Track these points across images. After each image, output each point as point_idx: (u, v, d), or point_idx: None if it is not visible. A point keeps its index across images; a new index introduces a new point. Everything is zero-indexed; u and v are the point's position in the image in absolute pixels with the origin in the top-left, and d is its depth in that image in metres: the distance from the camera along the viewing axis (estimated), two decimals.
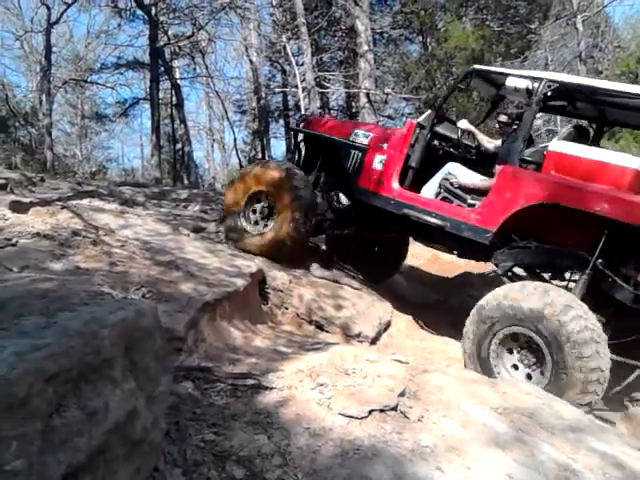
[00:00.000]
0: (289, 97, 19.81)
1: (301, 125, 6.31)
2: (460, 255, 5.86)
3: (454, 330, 5.49)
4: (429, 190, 5.19)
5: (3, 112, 24.93)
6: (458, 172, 5.17)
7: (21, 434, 1.59)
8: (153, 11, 15.89)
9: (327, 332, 4.99)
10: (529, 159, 4.63)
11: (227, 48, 24.05)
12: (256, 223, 5.66)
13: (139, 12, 16.68)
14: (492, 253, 4.67)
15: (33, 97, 23.52)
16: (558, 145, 4.53)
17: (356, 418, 2.58)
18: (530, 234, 4.49)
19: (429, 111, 5.42)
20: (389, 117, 20.77)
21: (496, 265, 4.71)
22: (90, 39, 24.64)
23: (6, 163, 15.21)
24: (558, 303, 3.77)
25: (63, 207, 5.17)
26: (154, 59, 16.19)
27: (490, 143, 5.44)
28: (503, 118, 5.39)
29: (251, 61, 19.68)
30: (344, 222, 5.99)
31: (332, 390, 2.81)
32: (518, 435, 2.63)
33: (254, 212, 5.68)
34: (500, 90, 5.31)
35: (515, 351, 4.02)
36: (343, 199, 6.02)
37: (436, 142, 5.47)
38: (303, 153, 6.19)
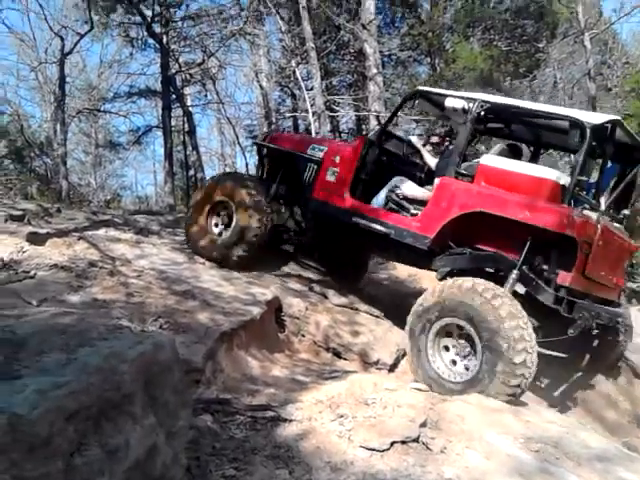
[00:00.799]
0: (299, 121, 19.92)
1: (265, 140, 6.59)
2: (404, 262, 6.24)
3: None
4: (377, 201, 5.44)
5: (19, 142, 25.29)
6: (403, 185, 5.45)
7: (43, 474, 1.58)
8: (164, 40, 16.12)
9: (345, 359, 4.95)
10: (464, 172, 4.89)
11: (237, 74, 24.23)
12: (218, 232, 5.90)
13: (150, 41, 16.91)
14: (431, 260, 4.94)
15: (48, 127, 23.86)
16: (488, 159, 4.87)
17: (378, 451, 2.54)
18: (465, 241, 4.78)
19: (378, 127, 5.72)
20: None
21: (435, 270, 4.98)
22: (103, 68, 25.02)
23: (22, 193, 15.39)
24: (488, 294, 4.03)
25: (80, 238, 5.21)
26: (166, 87, 16.37)
27: (432, 160, 5.62)
28: (434, 139, 5.77)
29: (261, 86, 19.86)
30: (304, 232, 6.32)
31: (352, 421, 2.77)
32: (543, 466, 2.57)
33: (216, 221, 5.95)
34: (443, 111, 5.54)
35: (450, 344, 4.27)
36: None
37: (385, 158, 5.74)
38: (266, 167, 6.47)
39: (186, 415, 2.32)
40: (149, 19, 15.34)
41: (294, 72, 16.18)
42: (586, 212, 4.48)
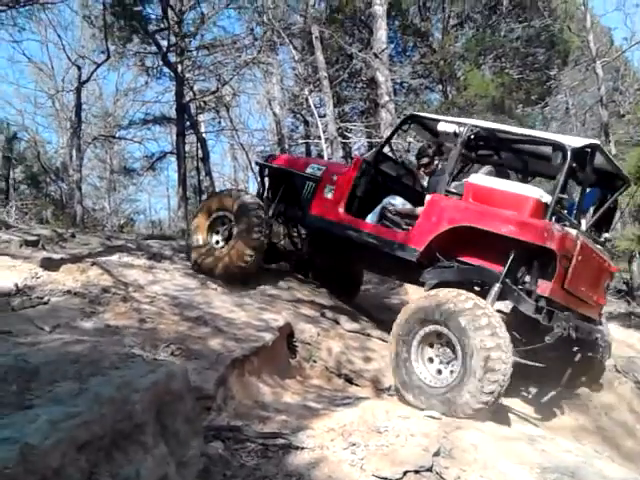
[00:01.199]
0: (312, 148, 20.05)
1: (267, 161, 6.93)
2: (394, 276, 6.69)
3: None
4: (372, 218, 5.72)
5: (35, 168, 25.66)
6: (396, 201, 5.78)
7: None
8: (179, 68, 16.37)
9: (357, 385, 4.91)
10: (454, 191, 5.14)
11: (251, 101, 24.53)
12: (217, 243, 6.18)
13: (166, 70, 17.17)
14: (420, 274, 5.10)
15: (64, 153, 24.19)
16: (476, 178, 5.14)
17: None
18: (452, 254, 5.00)
19: (374, 150, 6.07)
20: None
21: (423, 283, 5.13)
22: (119, 96, 25.41)
23: (37, 218, 15.54)
24: (469, 304, 4.26)
25: (93, 263, 5.25)
26: (180, 114, 16.58)
27: (423, 180, 6.07)
28: (424, 160, 6.00)
29: (274, 113, 20.05)
30: (300, 250, 6.68)
31: (364, 450, 2.74)
32: None
33: (217, 234, 6.22)
34: (436, 136, 5.91)
35: (434, 354, 4.45)
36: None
37: (379, 178, 6.03)
38: (267, 186, 6.77)
39: (197, 444, 2.31)
40: (164, 49, 15.60)
41: (307, 99, 16.36)
42: (567, 229, 4.70)
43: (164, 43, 15.89)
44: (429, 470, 2.63)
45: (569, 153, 4.64)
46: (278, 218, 6.56)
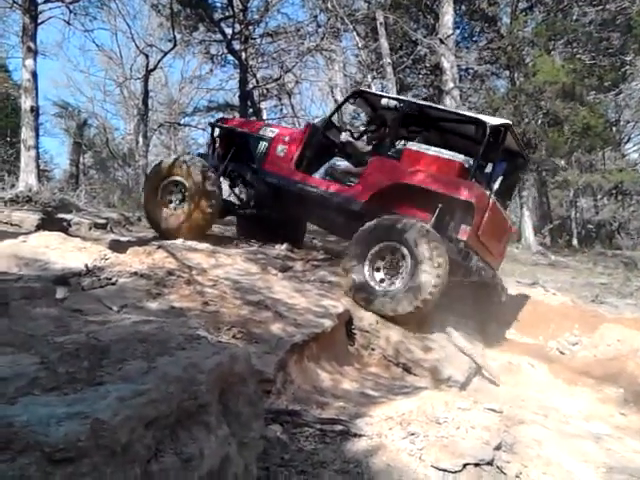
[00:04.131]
0: None
1: (220, 123, 7.63)
2: (335, 229, 7.59)
3: (550, 375, 5.23)
4: (318, 175, 6.50)
5: (103, 154, 26.56)
6: (341, 162, 6.61)
7: (122, 479, 1.63)
8: (243, 56, 16.55)
9: (415, 375, 4.86)
10: (393, 155, 6.12)
11: (313, 89, 24.58)
12: (173, 207, 6.73)
13: (230, 57, 17.42)
14: (361, 224, 5.66)
15: (131, 139, 24.94)
16: (411, 145, 6.11)
17: (449, 472, 2.48)
18: (389, 207, 5.78)
19: (322, 117, 7.04)
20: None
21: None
22: (184, 84, 25.99)
23: (105, 202, 16.11)
24: (424, 229, 5.26)
25: (159, 247, 5.38)
26: (244, 101, 16.79)
27: (364, 148, 6.94)
28: (372, 128, 7.02)
29: (336, 101, 20.03)
30: (248, 204, 7.25)
31: (424, 440, 2.72)
32: None
33: (170, 199, 6.76)
34: (376, 110, 6.93)
35: (382, 265, 5.47)
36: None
37: (325, 142, 6.79)
38: (217, 146, 7.36)
39: (258, 426, 2.34)
40: (229, 37, 15.79)
41: (369, 86, 16.22)
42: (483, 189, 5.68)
43: (229, 31, 16.10)
44: (489, 464, 2.58)
45: (488, 128, 5.65)
46: (227, 176, 7.19)
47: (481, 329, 6.41)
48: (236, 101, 18.46)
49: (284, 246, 6.96)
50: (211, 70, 20.11)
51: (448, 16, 13.31)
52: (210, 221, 6.78)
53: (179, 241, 6.04)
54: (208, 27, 16.43)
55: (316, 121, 7.01)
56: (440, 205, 5.56)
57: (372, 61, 17.56)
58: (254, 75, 18.11)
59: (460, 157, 5.80)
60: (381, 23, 14.64)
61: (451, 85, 13.08)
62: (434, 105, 6.64)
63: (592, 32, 16.06)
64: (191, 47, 18.87)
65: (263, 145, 6.78)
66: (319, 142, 6.61)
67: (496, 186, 6.11)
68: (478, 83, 18.49)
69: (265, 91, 19.15)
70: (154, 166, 7.24)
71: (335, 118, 7.75)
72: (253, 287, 4.91)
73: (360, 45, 16.91)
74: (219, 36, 16.48)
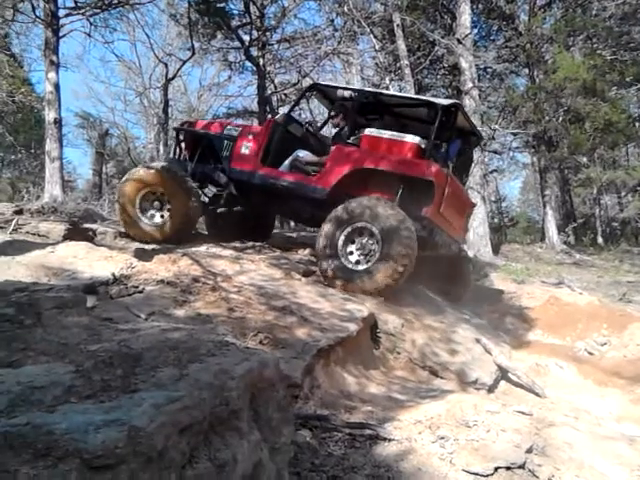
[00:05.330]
0: None
1: (184, 126, 7.77)
2: (305, 220, 8.08)
3: (580, 377, 5.18)
4: (283, 167, 6.71)
5: (125, 162, 26.86)
6: (303, 153, 6.84)
7: None
8: (261, 62, 16.64)
9: (441, 378, 4.84)
10: (352, 142, 6.39)
11: None
12: (152, 217, 6.78)
13: (248, 64, 17.53)
14: (328, 211, 5.91)
15: (152, 147, 25.20)
16: (369, 131, 6.33)
17: (481, 475, 2.47)
18: (354, 192, 5.94)
19: (282, 112, 7.21)
20: (495, 152, 20.31)
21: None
22: (202, 91, 26.18)
23: None
24: (387, 204, 5.63)
25: (183, 254, 5.44)
26: (262, 107, 16.87)
27: (324, 139, 7.47)
28: (335, 120, 7.12)
29: None
30: (219, 203, 7.35)
31: (454, 444, 2.71)
32: None
33: (148, 208, 6.80)
34: (334, 103, 7.25)
35: (354, 248, 5.74)
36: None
37: (288, 136, 6.98)
38: (183, 150, 7.50)
39: (288, 431, 2.35)
40: (247, 43, 15.90)
41: (387, 88, 16.21)
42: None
43: (246, 38, 16.21)
44: (521, 467, 2.56)
45: (440, 110, 5.98)
46: (195, 177, 7.19)
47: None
48: (255, 107, 18.57)
49: (307, 251, 6.99)
50: (229, 77, 20.28)
51: (465, 16, 13.23)
52: (193, 222, 6.99)
53: (203, 248, 6.10)
54: (226, 35, 16.56)
55: (277, 117, 7.11)
56: (402, 186, 5.88)
57: (389, 63, 17.54)
58: (272, 81, 18.21)
59: (416, 139, 6.07)
60: (398, 25, 14.62)
61: (470, 85, 13.00)
62: (387, 92, 7.28)
63: (612, 27, 15.88)
64: (209, 55, 19.05)
65: (228, 144, 6.99)
66: (281, 137, 6.80)
67: (452, 164, 6.42)
68: (497, 82, 18.38)
69: (283, 96, 19.22)
70: (125, 179, 7.15)
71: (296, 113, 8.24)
72: (277, 292, 4.94)
73: (377, 47, 16.90)
74: (237, 43, 16.60)
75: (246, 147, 6.83)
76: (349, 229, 5.70)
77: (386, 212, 5.54)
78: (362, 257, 5.69)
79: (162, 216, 6.75)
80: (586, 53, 16.41)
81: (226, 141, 7.02)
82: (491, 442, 2.71)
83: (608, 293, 8.59)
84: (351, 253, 5.74)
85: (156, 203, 6.78)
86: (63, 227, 6.84)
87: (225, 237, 7.30)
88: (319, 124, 8.41)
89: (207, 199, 7.64)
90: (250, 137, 6.86)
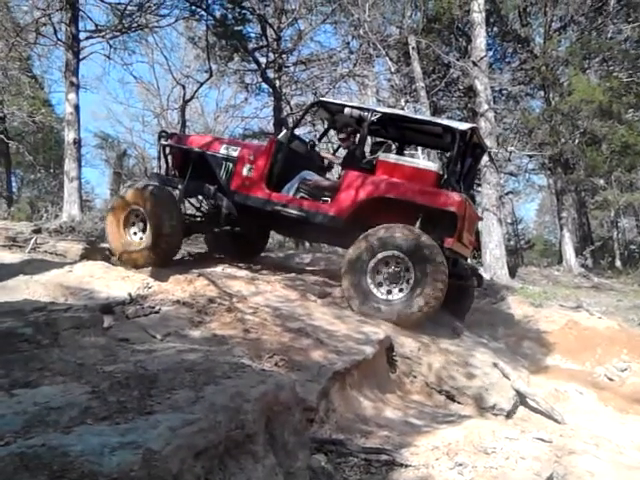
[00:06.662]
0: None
1: (170, 140, 7.21)
2: (318, 241, 8.10)
3: (600, 403, 5.09)
4: (287, 191, 6.42)
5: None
6: (312, 177, 6.57)
7: None
8: (277, 84, 16.79)
9: (458, 403, 4.76)
10: (364, 166, 6.15)
11: None
12: (139, 238, 6.39)
13: (264, 86, 17.67)
14: (342, 238, 5.98)
15: None
16: (385, 156, 6.15)
17: None
18: (370, 220, 5.74)
19: (285, 131, 6.73)
20: (511, 174, 20.25)
21: (346, 244, 5.92)
22: (219, 112, 26.45)
23: None
24: (416, 232, 5.47)
25: (199, 275, 5.45)
26: (278, 128, 16.93)
27: (334, 157, 7.30)
28: (342, 136, 6.84)
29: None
30: (218, 222, 6.86)
31: (472, 471, 2.65)
32: None
33: (134, 229, 6.47)
34: (335, 117, 6.94)
35: (382, 277, 5.56)
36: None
37: (291, 156, 6.64)
38: (171, 164, 7.15)
39: (304, 456, 2.32)
40: (263, 66, 16.06)
41: (403, 109, 16.27)
42: (459, 194, 5.75)
43: (263, 60, 16.36)
44: None
45: (458, 135, 5.84)
46: (189, 195, 7.06)
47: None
48: (271, 128, 18.68)
49: (321, 274, 6.97)
50: (246, 99, 20.43)
51: (481, 38, 13.26)
52: (175, 243, 6.46)
53: (219, 268, 6.11)
54: (243, 57, 16.72)
55: (280, 136, 6.70)
56: (421, 215, 5.71)
57: (405, 85, 17.60)
58: (288, 102, 18.32)
59: (434, 166, 6.05)
60: (413, 47, 14.70)
61: (485, 107, 12.98)
62: (401, 112, 7.19)
63: (628, 49, 15.85)
64: (226, 77, 19.24)
65: (227, 165, 6.62)
66: (285, 156, 6.49)
67: (462, 183, 6.38)
68: (512, 104, 18.36)
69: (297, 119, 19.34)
70: (114, 200, 6.92)
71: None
72: (293, 314, 4.92)
73: (393, 70, 16.96)
74: (253, 65, 16.76)
75: (249, 169, 6.45)
76: (376, 259, 5.52)
77: (414, 239, 5.40)
78: (393, 287, 5.53)
79: (141, 238, 6.38)
80: (602, 75, 16.39)
81: (225, 162, 6.63)
82: (510, 470, 2.65)
83: (628, 317, 8.44)
84: (380, 284, 5.57)
85: (140, 224, 6.44)
86: (81, 246, 6.90)
87: (224, 254, 7.26)
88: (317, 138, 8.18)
89: (204, 217, 7.31)
90: (252, 158, 6.48)
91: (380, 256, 5.51)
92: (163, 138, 7.16)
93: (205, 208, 7.28)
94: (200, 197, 7.25)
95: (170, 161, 7.18)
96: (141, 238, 6.35)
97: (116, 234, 6.46)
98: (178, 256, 6.95)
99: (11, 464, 1.46)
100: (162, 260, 6.18)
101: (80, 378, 2.22)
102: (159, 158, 7.33)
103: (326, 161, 7.41)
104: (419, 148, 12.08)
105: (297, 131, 7.75)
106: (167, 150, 7.13)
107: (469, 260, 7.11)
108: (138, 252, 6.22)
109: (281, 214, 6.23)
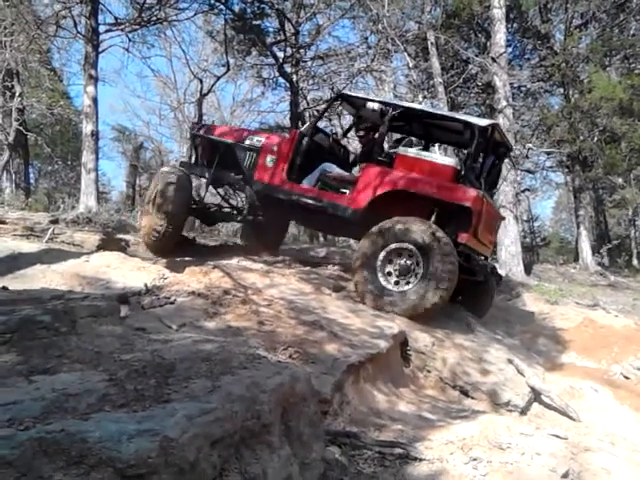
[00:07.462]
0: None
1: (200, 131, 7.45)
2: (334, 233, 8.33)
3: (616, 401, 5.04)
4: (309, 182, 6.53)
5: None
6: (332, 169, 6.68)
7: None
8: (294, 79, 16.78)
9: (472, 398, 4.74)
10: (383, 160, 6.20)
11: None
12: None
13: (281, 80, 17.68)
14: (359, 229, 5.95)
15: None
16: (404, 150, 6.21)
17: None
18: (387, 213, 5.78)
19: (308, 123, 6.99)
20: (528, 171, 20.07)
21: (360, 237, 6.00)
22: (235, 106, 26.51)
23: None
24: (425, 225, 5.52)
25: (214, 267, 5.46)
26: (295, 123, 16.94)
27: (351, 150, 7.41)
28: (361, 132, 7.10)
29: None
30: (242, 212, 7.19)
31: (487, 466, 2.64)
32: None
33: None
34: (359, 111, 7.02)
35: (392, 268, 5.63)
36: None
37: (313, 147, 6.73)
38: (200, 154, 7.35)
39: (319, 447, 2.33)
40: (281, 60, 16.05)
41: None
42: (476, 190, 5.76)
43: (280, 54, 16.35)
44: None
45: (477, 131, 5.83)
46: (214, 184, 7.28)
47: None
48: (287, 123, 18.69)
49: (336, 267, 6.97)
50: (262, 93, 20.45)
51: (500, 34, 13.13)
52: (174, 222, 6.46)
53: (234, 261, 6.12)
54: (260, 51, 16.74)
55: (303, 128, 6.83)
56: (437, 209, 5.75)
57: (422, 81, 17.51)
58: (305, 97, 18.30)
59: (452, 161, 6.06)
60: (432, 43, 14.63)
61: (504, 103, 12.87)
62: (421, 107, 7.20)
63: None
64: (243, 71, 19.28)
65: (251, 155, 6.75)
66: (307, 148, 6.57)
67: (484, 181, 6.30)
68: (531, 101, 18.20)
69: (316, 112, 19.31)
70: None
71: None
72: (307, 307, 4.92)
73: (411, 65, 16.86)
74: (271, 60, 16.76)
75: (271, 160, 6.58)
76: (386, 251, 5.61)
77: (425, 230, 5.45)
78: (402, 278, 5.58)
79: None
80: (623, 73, 16.20)
81: (249, 152, 6.77)
82: (526, 465, 2.63)
83: None
84: (389, 274, 5.63)
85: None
86: (97, 237, 6.97)
87: (255, 246, 7.36)
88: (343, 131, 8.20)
89: (230, 207, 7.60)
90: (275, 149, 6.61)
91: (393, 247, 5.58)
92: (195, 129, 7.47)
93: (231, 198, 7.58)
94: (227, 187, 7.52)
95: (199, 151, 7.38)
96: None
97: (146, 213, 6.81)
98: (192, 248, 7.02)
99: (30, 449, 1.47)
100: (161, 240, 6.39)
101: (98, 366, 2.24)
102: (190, 147, 7.69)
103: (352, 155, 7.46)
104: (436, 144, 12.10)
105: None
106: (197, 141, 7.37)
107: (489, 259, 7.01)
108: (150, 230, 6.47)
109: (300, 205, 6.36)
